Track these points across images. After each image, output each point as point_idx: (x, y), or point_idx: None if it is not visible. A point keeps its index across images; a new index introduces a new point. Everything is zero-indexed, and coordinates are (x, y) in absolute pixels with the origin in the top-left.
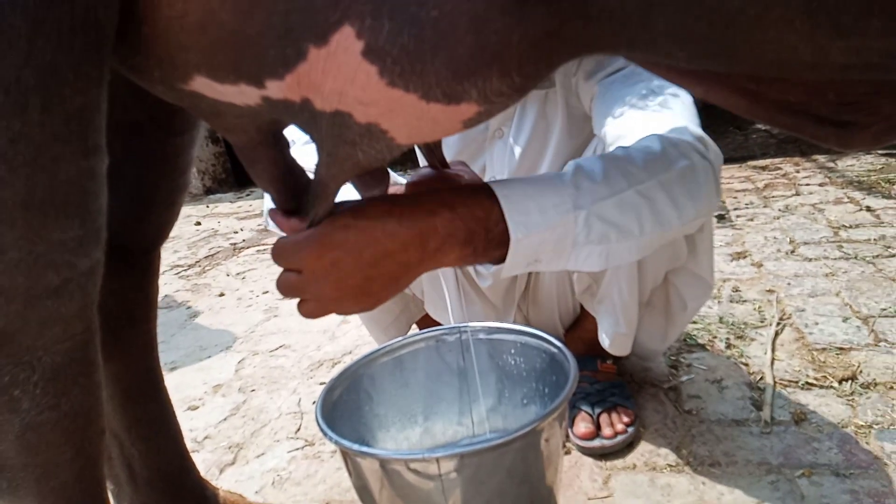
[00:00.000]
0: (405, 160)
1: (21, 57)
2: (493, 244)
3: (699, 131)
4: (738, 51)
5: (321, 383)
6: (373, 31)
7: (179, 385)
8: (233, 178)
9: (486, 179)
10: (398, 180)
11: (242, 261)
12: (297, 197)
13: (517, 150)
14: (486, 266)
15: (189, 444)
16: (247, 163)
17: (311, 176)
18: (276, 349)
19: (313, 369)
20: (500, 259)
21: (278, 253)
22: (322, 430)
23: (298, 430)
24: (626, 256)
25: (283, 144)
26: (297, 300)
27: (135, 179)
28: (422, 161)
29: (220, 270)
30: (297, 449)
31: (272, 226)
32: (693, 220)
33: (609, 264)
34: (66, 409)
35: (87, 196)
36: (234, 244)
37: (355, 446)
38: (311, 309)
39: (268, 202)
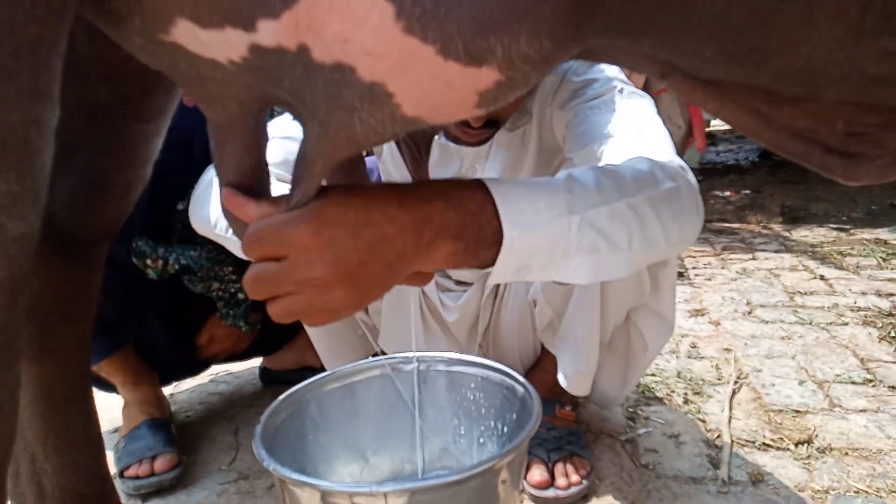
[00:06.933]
0: None
1: None
2: (485, 243)
3: (680, 160)
4: (768, 53)
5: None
6: None
7: (107, 405)
8: None
9: None
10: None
11: None
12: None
13: None
14: (472, 271)
15: (111, 469)
16: (217, 142)
17: (274, 184)
18: (218, 374)
19: (256, 398)
20: (490, 261)
21: (257, 238)
22: (259, 454)
23: (233, 461)
24: (614, 271)
25: (262, 136)
26: (268, 300)
27: (91, 164)
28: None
29: None
30: (229, 482)
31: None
32: (678, 243)
33: (597, 277)
34: None
35: (30, 148)
36: None
37: (294, 475)
38: (291, 304)
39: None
